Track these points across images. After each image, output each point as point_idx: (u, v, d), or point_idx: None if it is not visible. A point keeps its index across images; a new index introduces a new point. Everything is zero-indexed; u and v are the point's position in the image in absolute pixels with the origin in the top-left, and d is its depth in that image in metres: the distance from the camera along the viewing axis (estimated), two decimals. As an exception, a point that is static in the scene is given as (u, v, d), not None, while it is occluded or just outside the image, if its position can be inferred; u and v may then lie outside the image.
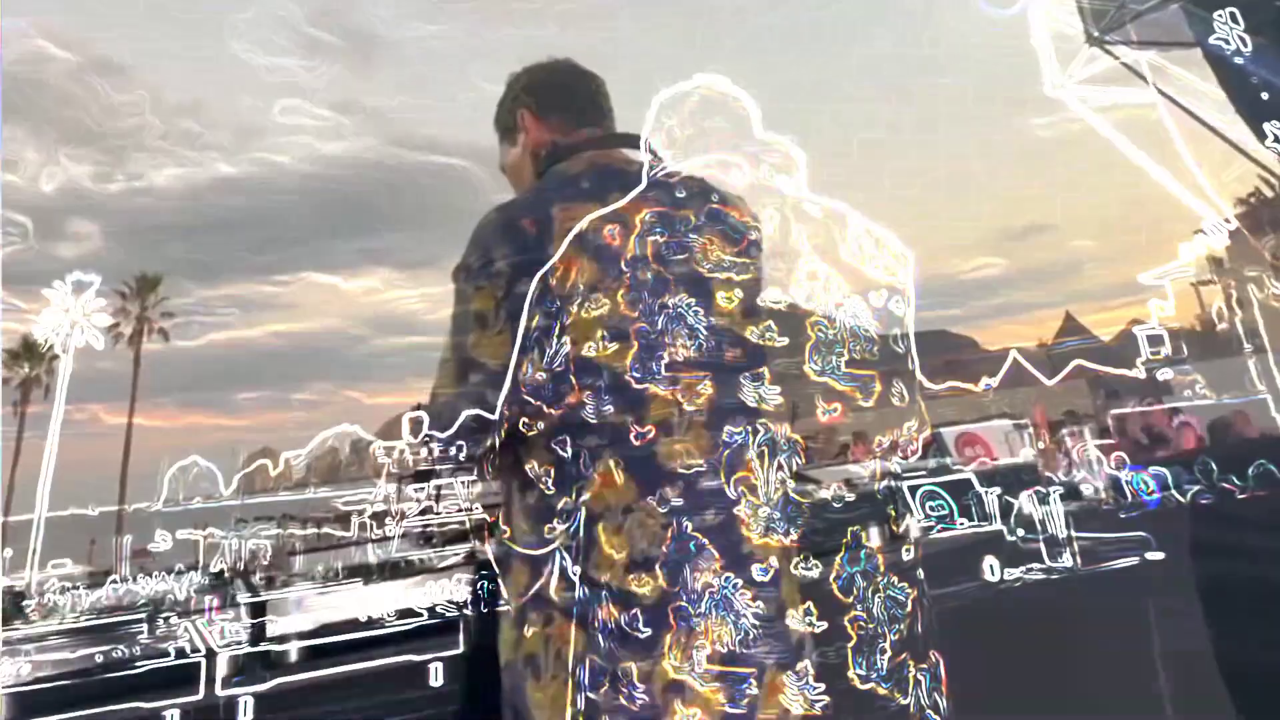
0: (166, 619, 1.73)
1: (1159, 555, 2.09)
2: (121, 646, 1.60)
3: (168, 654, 1.59)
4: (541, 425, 1.38)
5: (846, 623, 1.32)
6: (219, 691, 1.53)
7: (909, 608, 1.39)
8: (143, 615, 1.70)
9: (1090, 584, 2.07)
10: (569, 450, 1.37)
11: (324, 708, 1.74)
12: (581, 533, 1.33)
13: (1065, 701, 1.99)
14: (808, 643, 1.32)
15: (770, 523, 1.32)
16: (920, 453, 1.55)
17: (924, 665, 1.38)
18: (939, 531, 2.08)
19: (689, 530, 1.29)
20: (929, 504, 2.12)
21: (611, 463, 1.34)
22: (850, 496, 1.38)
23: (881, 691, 1.30)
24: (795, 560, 1.33)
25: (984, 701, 1.87)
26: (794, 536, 1.33)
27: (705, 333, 1.40)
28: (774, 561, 1.31)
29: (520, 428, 1.41)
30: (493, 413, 1.38)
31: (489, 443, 1.41)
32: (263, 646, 1.65)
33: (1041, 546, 2.11)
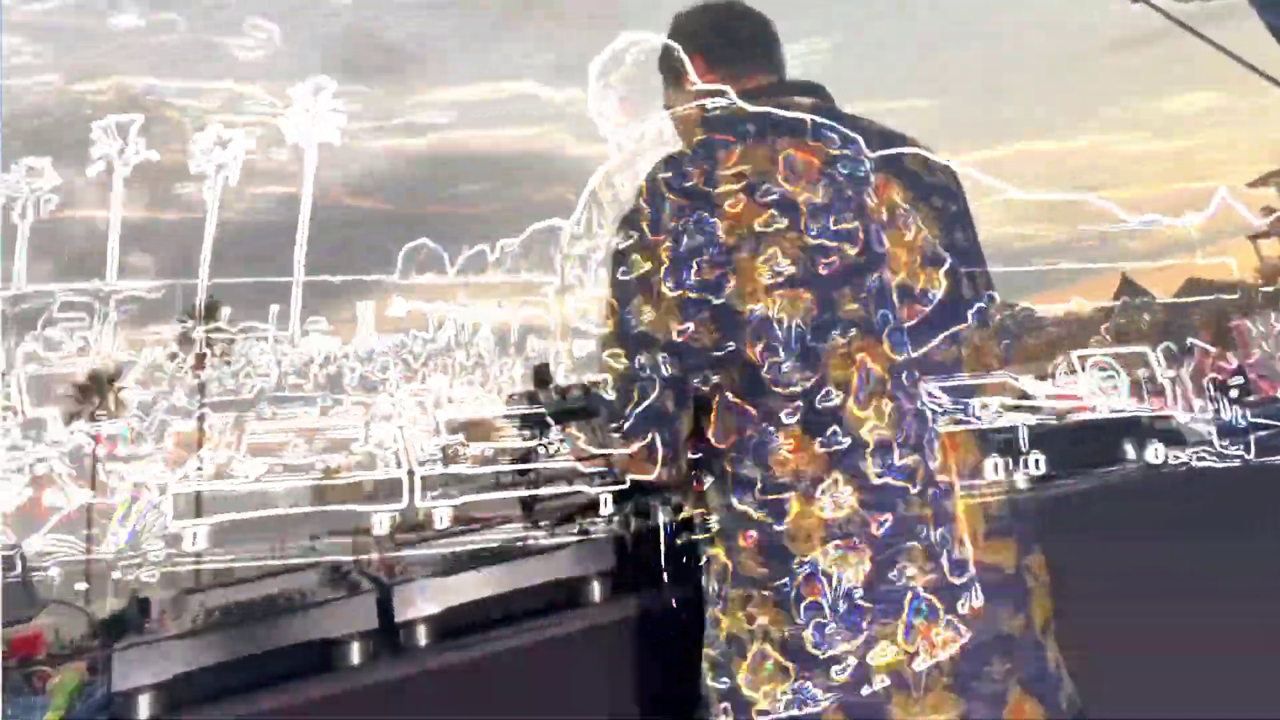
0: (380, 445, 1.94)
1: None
2: (338, 455, 1.91)
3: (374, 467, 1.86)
4: (722, 392, 1.39)
5: (867, 434, 1.37)
6: (418, 503, 1.79)
7: (915, 422, 1.43)
8: (359, 426, 1.99)
9: (1263, 475, 1.98)
10: (752, 417, 1.37)
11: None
12: (777, 505, 1.34)
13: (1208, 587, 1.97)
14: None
15: (791, 376, 1.37)
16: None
17: (933, 466, 1.43)
18: (1096, 410, 2.02)
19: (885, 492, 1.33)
20: (1098, 374, 2.05)
21: (799, 428, 1.35)
22: (854, 332, 1.41)
23: (895, 483, 1.36)
24: (818, 398, 1.37)
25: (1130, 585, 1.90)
26: (815, 381, 1.37)
27: (875, 285, 1.42)
28: (799, 404, 1.37)
29: (701, 398, 1.41)
30: (676, 389, 1.40)
31: (679, 426, 1.42)
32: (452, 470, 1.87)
33: (1213, 433, 2.03)
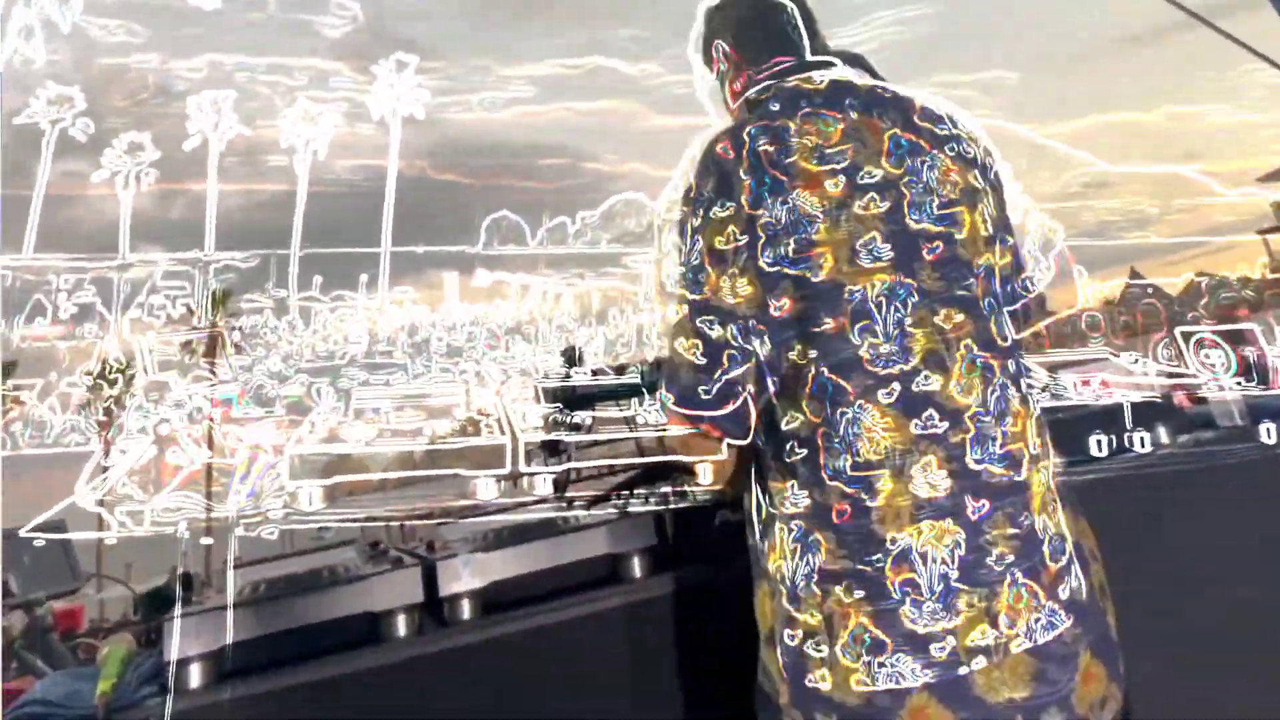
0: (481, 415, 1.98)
1: None
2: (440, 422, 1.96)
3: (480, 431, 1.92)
4: (818, 366, 1.38)
5: (966, 418, 1.36)
6: (521, 467, 1.84)
7: (1017, 405, 1.40)
8: (459, 395, 2.05)
9: None
10: (848, 394, 1.36)
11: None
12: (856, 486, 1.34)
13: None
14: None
15: (890, 357, 1.36)
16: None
17: (1036, 450, 1.41)
18: (1208, 389, 1.96)
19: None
20: (1204, 353, 2.00)
21: (897, 408, 1.34)
22: (960, 316, 1.39)
23: (995, 470, 1.35)
24: (916, 381, 1.36)
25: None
26: (914, 363, 1.36)
27: (983, 269, 1.45)
28: (896, 385, 1.35)
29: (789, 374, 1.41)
30: (766, 362, 1.41)
31: (767, 396, 1.43)
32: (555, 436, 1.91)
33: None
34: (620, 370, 2.02)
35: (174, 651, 1.57)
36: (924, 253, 1.40)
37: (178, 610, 1.64)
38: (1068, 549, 1.39)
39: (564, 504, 2.00)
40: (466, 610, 1.78)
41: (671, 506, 1.91)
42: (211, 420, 2.25)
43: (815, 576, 1.36)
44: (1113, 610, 1.43)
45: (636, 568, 1.88)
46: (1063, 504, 1.42)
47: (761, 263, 1.40)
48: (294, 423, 2.19)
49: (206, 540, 1.88)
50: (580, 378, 2.00)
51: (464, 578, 1.77)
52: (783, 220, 1.40)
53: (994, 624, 1.30)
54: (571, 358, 1.98)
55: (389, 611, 1.73)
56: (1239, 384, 1.96)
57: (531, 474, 1.80)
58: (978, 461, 1.34)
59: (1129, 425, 1.80)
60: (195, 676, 1.60)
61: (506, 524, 1.86)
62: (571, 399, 1.93)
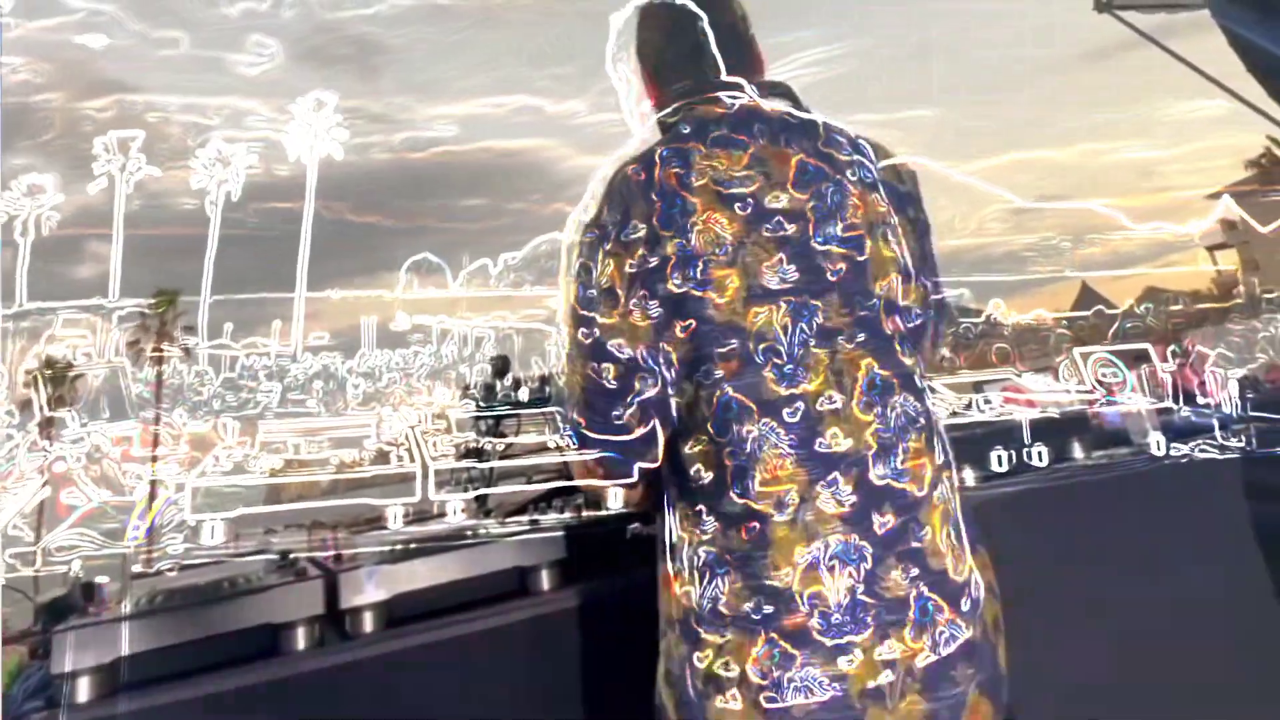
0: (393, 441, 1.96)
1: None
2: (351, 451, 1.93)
3: (389, 460, 1.89)
4: (722, 387, 1.38)
5: (868, 436, 1.40)
6: (432, 495, 1.81)
7: (920, 420, 1.43)
8: (370, 421, 2.03)
9: (1263, 466, 2.01)
10: (754, 414, 1.36)
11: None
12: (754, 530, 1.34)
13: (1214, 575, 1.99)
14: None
15: (794, 377, 1.39)
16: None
17: (939, 465, 1.44)
18: (1105, 404, 2.06)
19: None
20: (1102, 370, 2.09)
21: (783, 427, 1.35)
22: (862, 336, 1.42)
23: (898, 485, 1.37)
24: (820, 400, 1.37)
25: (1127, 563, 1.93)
26: (817, 383, 1.37)
27: (883, 290, 1.46)
28: (800, 405, 1.36)
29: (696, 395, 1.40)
30: (675, 384, 1.41)
31: (665, 431, 1.44)
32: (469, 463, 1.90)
33: (1214, 424, 2.06)
34: (544, 381, 2.01)
35: (67, 664, 1.50)
36: (828, 275, 1.43)
37: (71, 623, 1.56)
38: (968, 560, 1.42)
39: (481, 515, 1.98)
40: (369, 623, 1.73)
41: (584, 518, 1.89)
42: (111, 458, 2.17)
43: (724, 597, 1.36)
44: (1003, 643, 1.44)
45: (545, 581, 1.84)
46: (966, 529, 1.45)
47: (670, 285, 1.40)
48: (196, 460, 2.13)
49: (101, 578, 1.80)
50: (501, 408, 1.99)
51: (368, 590, 1.72)
52: (691, 243, 1.41)
53: (900, 638, 1.32)
54: (501, 368, 1.96)
55: (290, 624, 1.67)
56: (1133, 400, 2.05)
57: (442, 500, 1.78)
58: (881, 477, 1.37)
59: (1027, 441, 1.87)
60: (85, 690, 1.52)
61: (415, 535, 1.81)
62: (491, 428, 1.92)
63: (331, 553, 1.78)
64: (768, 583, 1.33)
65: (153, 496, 1.92)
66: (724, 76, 1.62)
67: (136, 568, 1.76)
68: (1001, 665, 1.43)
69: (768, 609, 1.33)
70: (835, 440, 1.36)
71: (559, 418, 1.93)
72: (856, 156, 1.55)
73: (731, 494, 1.36)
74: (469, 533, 1.85)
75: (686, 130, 1.51)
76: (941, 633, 1.35)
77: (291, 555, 1.78)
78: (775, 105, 1.57)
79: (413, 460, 1.84)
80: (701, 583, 1.38)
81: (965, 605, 1.39)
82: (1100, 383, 2.08)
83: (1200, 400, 2.12)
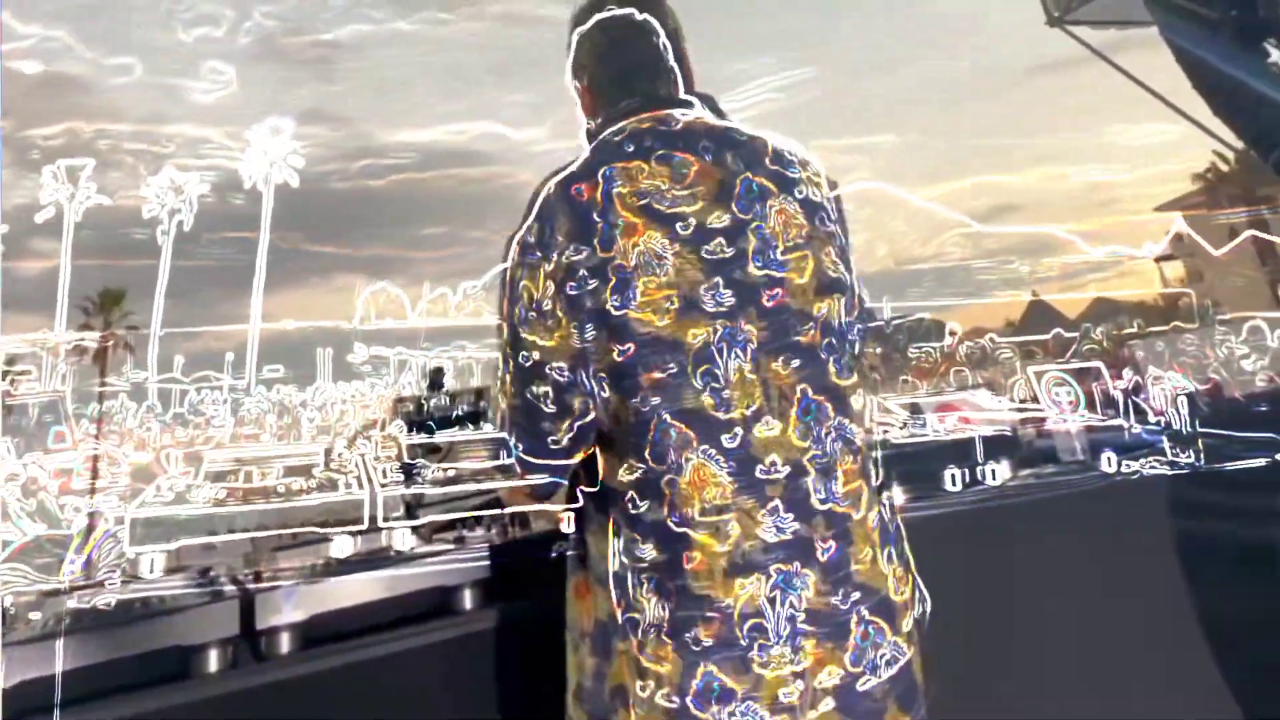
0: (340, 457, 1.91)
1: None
2: (300, 479, 1.88)
3: (337, 487, 1.84)
4: (659, 413, 1.35)
5: (806, 461, 1.38)
6: (379, 523, 1.77)
7: (855, 442, 1.43)
8: (319, 450, 1.98)
9: (1212, 481, 2.03)
10: (691, 440, 1.33)
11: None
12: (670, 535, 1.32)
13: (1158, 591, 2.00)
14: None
15: (731, 402, 1.37)
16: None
17: (873, 486, 1.43)
18: (1061, 421, 2.07)
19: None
20: (1055, 389, 2.11)
21: (722, 454, 1.33)
22: (796, 361, 1.41)
23: (839, 509, 1.35)
24: (758, 425, 1.37)
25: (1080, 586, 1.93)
26: (754, 408, 1.35)
27: (823, 313, 1.43)
28: (739, 430, 1.34)
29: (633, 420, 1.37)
30: (596, 418, 1.39)
31: (604, 457, 1.42)
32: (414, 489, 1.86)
33: (1164, 441, 2.09)
34: (479, 396, 1.97)
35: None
36: (764, 300, 1.41)
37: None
38: (908, 579, 1.42)
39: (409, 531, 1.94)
40: (286, 644, 1.67)
41: (510, 538, 1.85)
42: (47, 490, 2.10)
43: (665, 627, 1.32)
44: (917, 654, 1.43)
45: (467, 600, 1.80)
46: (894, 544, 1.45)
47: (610, 306, 1.37)
48: (138, 491, 2.06)
49: (35, 614, 1.73)
50: (443, 436, 1.95)
51: (285, 610, 1.67)
52: (632, 263, 1.38)
53: (840, 664, 1.31)
54: (436, 380, 1.93)
55: (202, 645, 1.61)
56: (1086, 417, 2.07)
57: (390, 529, 1.74)
58: (822, 502, 1.35)
59: (981, 459, 1.88)
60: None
61: (246, 513, 1.75)
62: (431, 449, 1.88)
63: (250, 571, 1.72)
64: (709, 614, 1.30)
65: (91, 529, 1.86)
66: (666, 92, 1.60)
67: (71, 603, 1.69)
68: (918, 676, 1.42)
69: (707, 641, 1.30)
70: (774, 467, 1.34)
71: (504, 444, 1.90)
72: (804, 174, 1.54)
73: (669, 523, 1.33)
74: (393, 551, 1.80)
75: (631, 149, 1.47)
76: (884, 655, 1.34)
77: (211, 574, 1.72)
78: (719, 122, 1.56)
79: (361, 487, 1.80)
80: (647, 610, 1.34)
81: (906, 625, 1.38)
82: (1054, 401, 2.11)
83: (1144, 404, 2.15)
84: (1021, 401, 2.13)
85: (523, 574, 1.79)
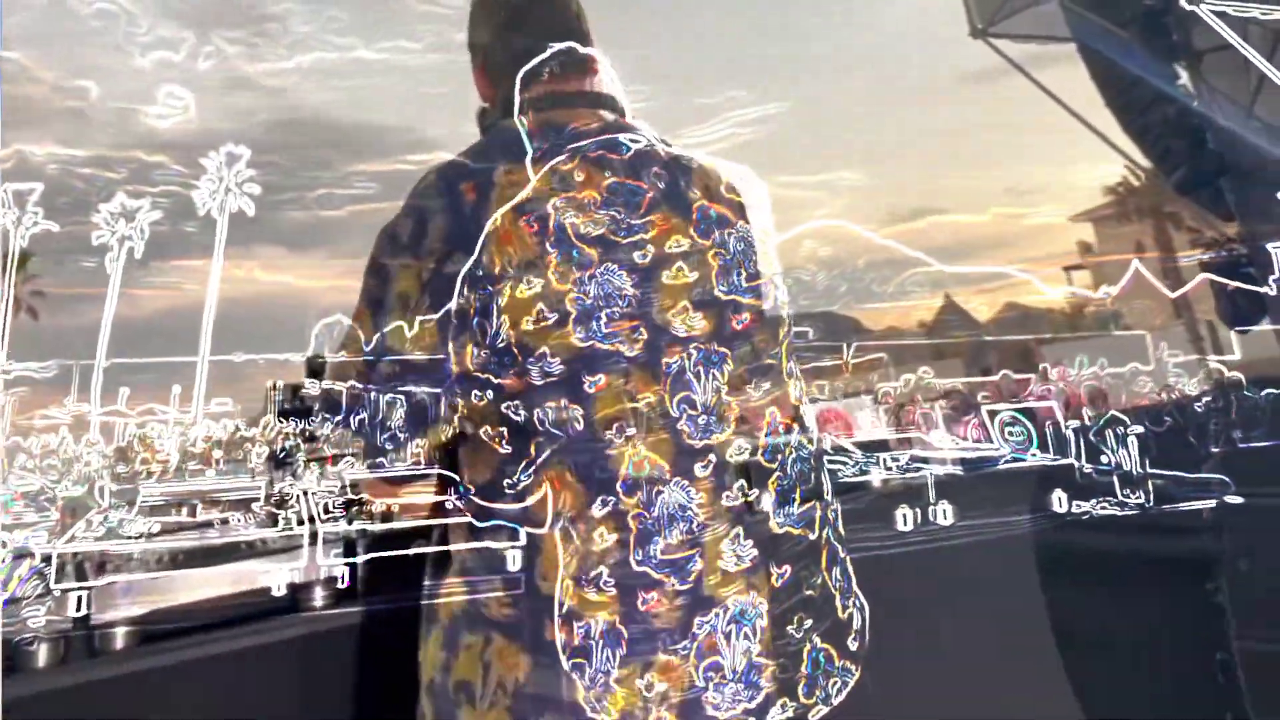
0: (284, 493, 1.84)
1: (1239, 500, 2.05)
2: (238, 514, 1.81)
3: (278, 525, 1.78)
4: (612, 456, 1.34)
5: (770, 485, 1.37)
6: (319, 560, 1.71)
7: (813, 463, 1.45)
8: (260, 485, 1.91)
9: (1162, 522, 2.05)
10: (644, 476, 1.33)
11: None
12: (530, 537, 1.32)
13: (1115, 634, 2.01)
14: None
15: (707, 428, 1.36)
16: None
17: (828, 507, 1.46)
18: (1012, 461, 2.08)
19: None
20: (1008, 429, 2.12)
21: (695, 484, 1.33)
22: (766, 384, 1.42)
23: (795, 531, 1.36)
24: (730, 451, 1.37)
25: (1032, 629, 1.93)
26: (728, 434, 1.36)
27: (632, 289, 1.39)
28: (713, 457, 1.35)
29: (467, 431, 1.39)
30: (552, 456, 1.35)
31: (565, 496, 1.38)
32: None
33: (1115, 482, 2.10)
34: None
35: None
36: (733, 323, 1.41)
37: None
38: (853, 593, 1.41)
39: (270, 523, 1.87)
40: (120, 640, 1.63)
41: (371, 530, 1.79)
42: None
43: (615, 673, 1.28)
44: (862, 668, 1.44)
45: (319, 597, 1.74)
46: (839, 562, 1.45)
47: (574, 340, 1.35)
48: (67, 527, 1.98)
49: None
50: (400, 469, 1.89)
51: (121, 604, 1.62)
52: (592, 295, 1.37)
53: (793, 695, 1.29)
54: (316, 370, 1.87)
55: (31, 638, 1.57)
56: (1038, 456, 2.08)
57: (330, 564, 1.68)
58: (780, 525, 1.35)
59: (933, 499, 1.88)
60: None
61: (179, 549, 1.69)
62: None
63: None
64: (664, 657, 1.27)
65: (15, 566, 1.77)
66: (588, 87, 1.57)
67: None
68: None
69: (661, 686, 1.27)
70: (742, 492, 1.33)
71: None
72: (757, 201, 1.54)
73: (632, 560, 1.30)
74: (243, 546, 1.74)
75: (580, 178, 1.45)
76: (834, 682, 1.33)
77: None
78: (670, 149, 1.55)
79: (301, 523, 1.74)
80: (595, 653, 1.29)
81: (854, 645, 1.37)
82: (1006, 440, 2.12)
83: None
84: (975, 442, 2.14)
85: (381, 571, 1.73)
